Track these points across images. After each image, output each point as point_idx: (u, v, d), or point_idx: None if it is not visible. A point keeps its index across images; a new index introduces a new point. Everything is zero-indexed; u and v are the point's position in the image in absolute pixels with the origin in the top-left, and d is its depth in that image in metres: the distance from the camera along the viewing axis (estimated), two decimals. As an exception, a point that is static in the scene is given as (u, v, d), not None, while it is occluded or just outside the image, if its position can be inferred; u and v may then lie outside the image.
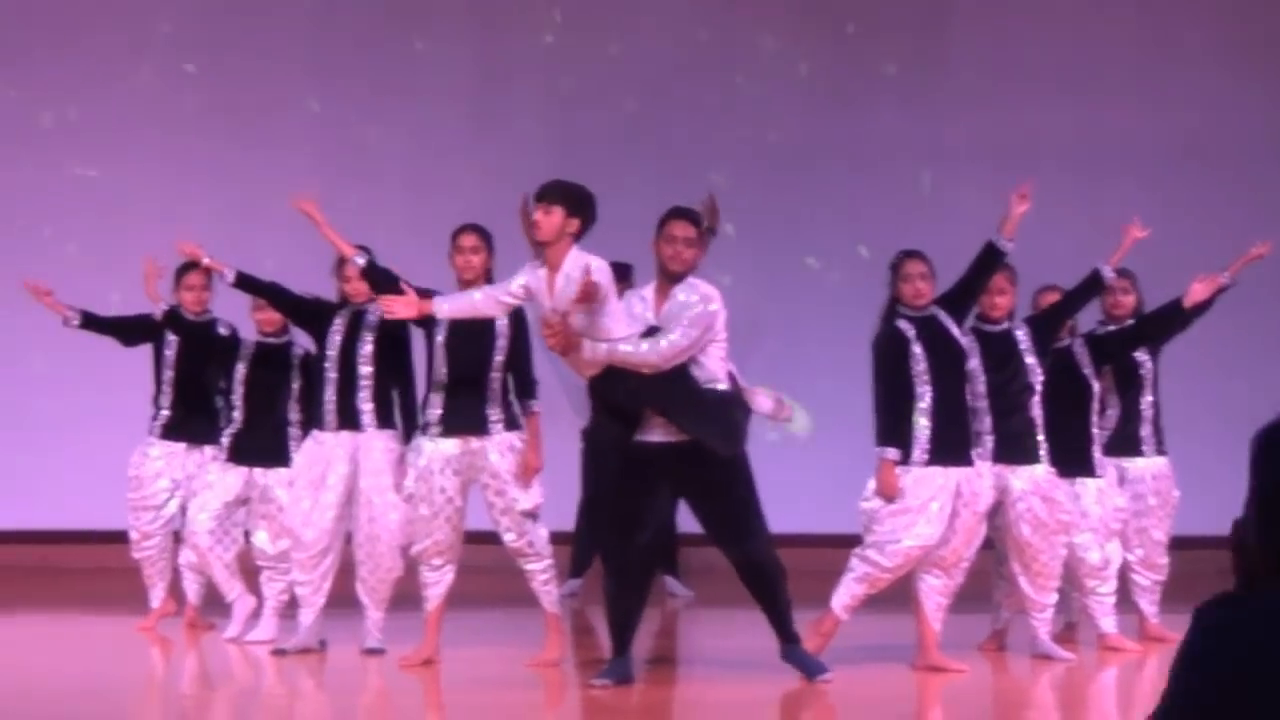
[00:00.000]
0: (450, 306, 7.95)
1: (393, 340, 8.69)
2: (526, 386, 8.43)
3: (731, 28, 12.63)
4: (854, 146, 12.45)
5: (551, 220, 7.64)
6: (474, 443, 8.29)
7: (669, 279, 7.77)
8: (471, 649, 8.69)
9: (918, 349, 8.09)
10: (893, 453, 8.05)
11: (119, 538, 9.81)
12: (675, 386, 7.63)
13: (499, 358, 8.34)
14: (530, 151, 12.13)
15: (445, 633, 8.42)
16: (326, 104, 12.54)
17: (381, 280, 8.35)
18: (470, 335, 8.31)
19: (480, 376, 8.31)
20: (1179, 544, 9.14)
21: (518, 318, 8.40)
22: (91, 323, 9.60)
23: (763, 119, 12.53)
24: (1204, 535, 11.20)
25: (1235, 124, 12.32)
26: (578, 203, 7.71)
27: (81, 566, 11.93)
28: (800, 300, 12.38)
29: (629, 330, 7.62)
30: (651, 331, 7.64)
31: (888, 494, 8.04)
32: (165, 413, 9.50)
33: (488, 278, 8.41)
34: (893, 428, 8.07)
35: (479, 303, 7.92)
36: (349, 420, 8.62)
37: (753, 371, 12.32)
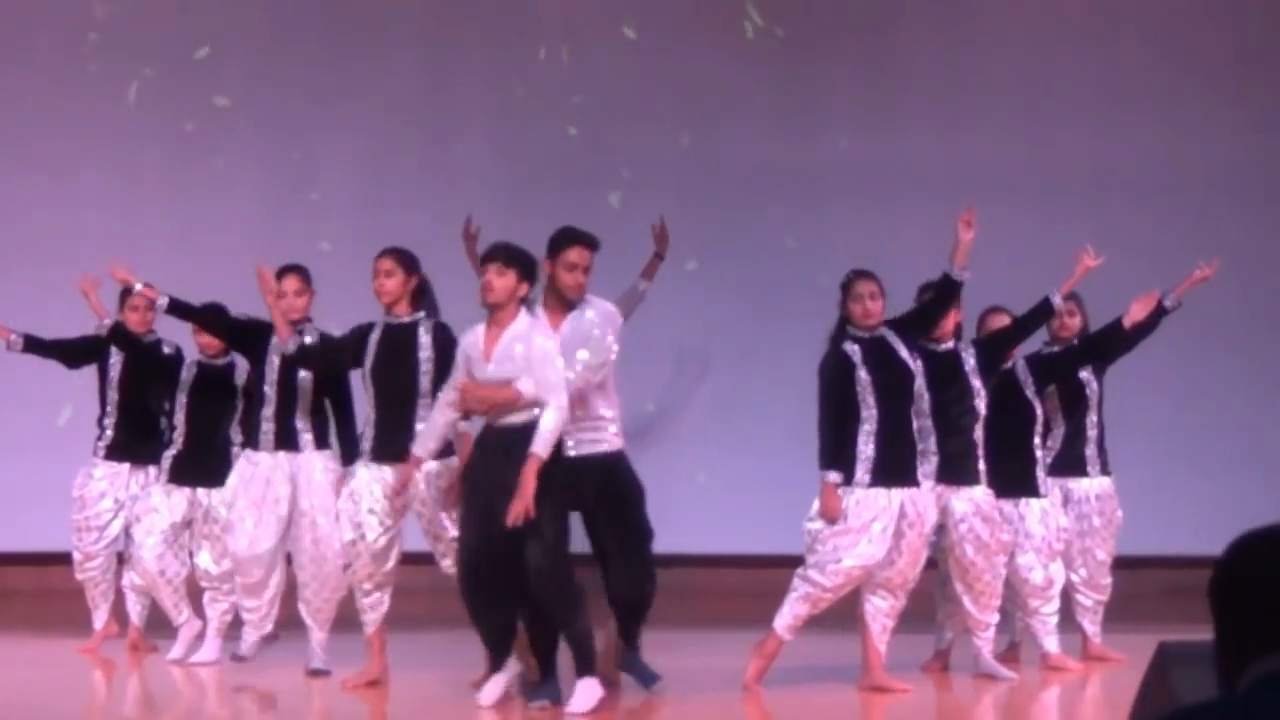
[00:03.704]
0: (429, 446, 7.89)
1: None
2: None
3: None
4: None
5: (505, 282, 7.57)
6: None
7: (565, 306, 7.79)
8: (416, 671, 8.66)
9: (863, 373, 8.07)
10: (834, 475, 8.04)
11: (62, 559, 9.77)
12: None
13: (424, 384, 8.21)
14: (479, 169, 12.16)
15: (390, 654, 8.40)
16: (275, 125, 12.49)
17: (316, 359, 8.40)
18: (395, 363, 8.21)
19: (407, 403, 8.19)
20: (1122, 564, 9.22)
21: (441, 344, 8.23)
22: (34, 345, 9.54)
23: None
24: (1147, 555, 11.35)
25: (1182, 158, 12.39)
26: (529, 269, 7.66)
27: (24, 588, 11.84)
28: (750, 321, 12.38)
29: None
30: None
31: (830, 516, 8.04)
32: (110, 433, 9.46)
33: (412, 301, 8.30)
34: (835, 450, 8.06)
35: (439, 423, 7.84)
36: (287, 441, 8.59)
37: (702, 392, 12.36)
